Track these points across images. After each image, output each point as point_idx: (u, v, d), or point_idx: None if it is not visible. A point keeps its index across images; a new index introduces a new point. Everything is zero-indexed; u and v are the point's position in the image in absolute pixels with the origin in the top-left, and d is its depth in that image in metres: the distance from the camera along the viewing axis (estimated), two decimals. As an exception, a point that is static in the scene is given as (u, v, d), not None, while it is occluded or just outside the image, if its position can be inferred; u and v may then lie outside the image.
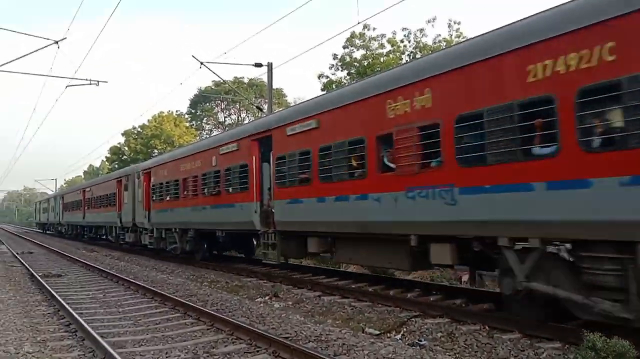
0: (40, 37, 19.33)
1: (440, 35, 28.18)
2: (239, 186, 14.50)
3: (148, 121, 52.05)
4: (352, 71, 29.00)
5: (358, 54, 29.31)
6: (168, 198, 19.73)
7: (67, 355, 7.09)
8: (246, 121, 51.79)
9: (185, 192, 18.21)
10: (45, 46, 19.03)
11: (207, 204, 16.38)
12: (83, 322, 8.39)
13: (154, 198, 21.18)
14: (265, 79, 25.81)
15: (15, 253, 25.71)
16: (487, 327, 7.74)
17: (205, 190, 16.56)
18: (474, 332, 7.55)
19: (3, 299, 11.75)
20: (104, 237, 32.85)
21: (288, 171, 12.08)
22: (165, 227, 20.26)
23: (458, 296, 9.83)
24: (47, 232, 57.09)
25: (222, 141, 16.21)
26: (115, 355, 6.36)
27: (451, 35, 27.88)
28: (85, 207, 35.29)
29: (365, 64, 28.38)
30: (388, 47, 28.88)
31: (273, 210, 12.89)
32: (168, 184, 19.85)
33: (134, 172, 24.72)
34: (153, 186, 21.39)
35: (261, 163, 13.98)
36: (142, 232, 23.08)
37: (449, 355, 6.63)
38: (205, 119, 58.09)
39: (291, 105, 46.45)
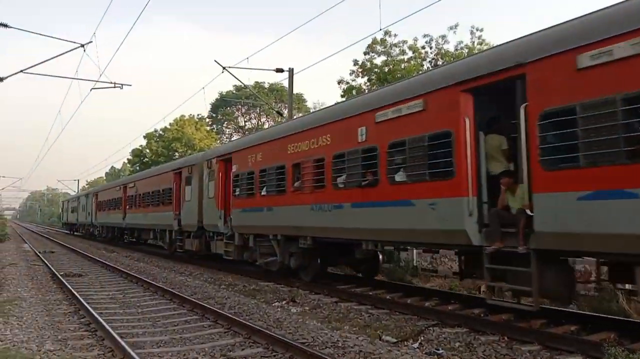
0: (67, 41, 19.66)
1: (462, 42, 28.05)
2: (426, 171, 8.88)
3: (170, 124, 52.67)
4: (373, 77, 28.98)
5: (379, 60, 29.29)
6: (263, 193, 14.43)
7: (87, 354, 7.19)
8: (266, 126, 52.14)
9: (297, 184, 12.91)
10: (72, 49, 19.45)
11: (347, 200, 10.93)
12: (103, 322, 8.50)
13: (236, 193, 15.94)
14: (285, 84, 26.04)
15: (37, 252, 26.19)
16: (506, 338, 7.64)
17: (342, 179, 11.20)
18: (493, 343, 7.46)
19: (25, 298, 11.98)
20: (151, 242, 28.64)
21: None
22: (254, 233, 15.14)
23: (477, 305, 9.72)
24: (76, 234, 52.99)
25: (385, 100, 10.09)
26: (134, 355, 6.42)
27: (473, 42, 27.72)
28: (127, 207, 30.47)
29: (386, 70, 28.34)
30: (409, 54, 28.81)
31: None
32: (263, 173, 14.44)
33: (203, 160, 19.14)
34: (236, 176, 16.08)
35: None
36: (214, 238, 18.07)
37: (467, 365, 6.56)
38: (225, 123, 58.59)
39: (311, 110, 46.63)
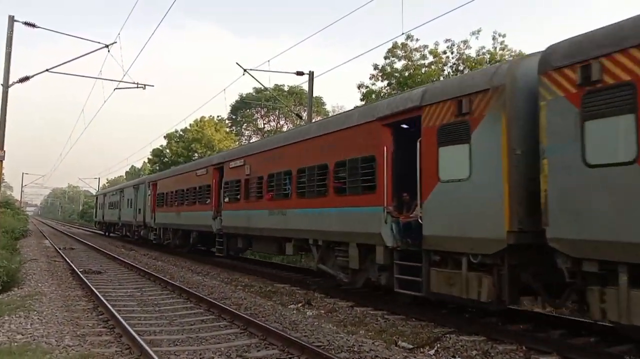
0: (92, 41, 19.99)
1: (484, 47, 27.82)
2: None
3: (190, 125, 53.15)
4: (393, 82, 28.90)
5: (399, 65, 29.19)
6: None
7: (104, 350, 7.28)
8: (284, 129, 52.34)
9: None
10: (97, 49, 19.79)
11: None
12: (121, 319, 8.60)
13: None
14: (305, 87, 26.07)
15: (57, 248, 26.61)
16: (524, 347, 7.53)
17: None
18: (510, 352, 7.37)
19: (46, 293, 12.18)
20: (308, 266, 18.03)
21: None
22: None
23: (494, 314, 9.60)
24: (111, 235, 43.82)
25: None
26: (152, 353, 6.48)
27: (495, 47, 27.48)
28: (225, 200, 18.53)
29: (406, 74, 28.24)
30: (430, 59, 28.67)
31: None
32: None
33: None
34: None
35: None
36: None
37: (484, 374, 6.48)
38: (245, 125, 58.93)
39: (330, 114, 46.65)
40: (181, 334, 8.41)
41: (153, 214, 28.33)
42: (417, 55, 28.92)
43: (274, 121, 58.56)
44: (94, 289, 11.99)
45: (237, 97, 55.10)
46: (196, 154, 49.39)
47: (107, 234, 45.40)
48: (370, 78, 29.92)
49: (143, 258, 22.85)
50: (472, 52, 28.06)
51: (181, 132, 53.88)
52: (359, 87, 30.27)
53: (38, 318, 9.26)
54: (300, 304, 11.29)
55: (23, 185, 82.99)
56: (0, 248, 18.34)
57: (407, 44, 28.74)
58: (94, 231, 55.59)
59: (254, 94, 52.20)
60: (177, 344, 7.69)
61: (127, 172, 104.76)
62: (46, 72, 20.40)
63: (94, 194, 57.34)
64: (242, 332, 8.50)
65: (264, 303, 11.39)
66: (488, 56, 27.14)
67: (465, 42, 28.05)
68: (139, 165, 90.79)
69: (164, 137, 54.87)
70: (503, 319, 9.13)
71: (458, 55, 28.27)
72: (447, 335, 8.25)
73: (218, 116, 56.50)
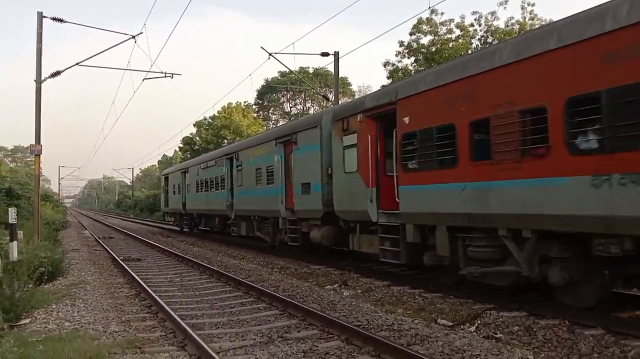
0: (119, 33, 20.23)
1: (512, 17, 27.07)
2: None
3: (218, 112, 53.61)
4: (420, 58, 28.44)
5: (425, 40, 28.69)
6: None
7: (150, 335, 7.48)
8: (311, 111, 52.25)
9: None
10: (124, 41, 20.03)
11: None
12: (164, 304, 8.81)
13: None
14: (330, 68, 25.90)
15: (97, 238, 27.38)
16: (567, 322, 7.40)
17: None
18: (553, 327, 7.25)
19: (89, 281, 12.57)
20: None
21: None
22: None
23: (533, 289, 9.46)
24: (192, 230, 29.73)
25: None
26: (196, 337, 6.63)
27: (524, 17, 26.70)
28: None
29: (433, 50, 27.74)
30: (457, 32, 28.08)
31: None
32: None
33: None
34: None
35: None
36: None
37: (527, 349, 6.41)
38: (271, 109, 59.13)
39: (356, 95, 46.29)
40: (222, 317, 8.57)
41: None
42: (444, 29, 28.37)
43: (300, 104, 58.57)
44: (135, 276, 12.30)
45: (262, 82, 55.24)
46: (225, 141, 49.84)
47: (189, 229, 29.91)
48: (397, 55, 29.54)
49: (180, 244, 23.31)
50: (500, 24, 27.36)
51: (210, 120, 54.39)
52: (385, 65, 29.93)
53: (84, 306, 9.58)
54: (336, 285, 11.35)
55: (60, 178, 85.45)
56: (43, 239, 18.96)
57: (432, 18, 28.21)
58: (148, 222, 48.63)
59: (279, 77, 52.21)
60: (218, 327, 7.86)
61: (159, 162, 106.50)
62: (76, 66, 20.79)
63: (161, 174, 38.75)
64: (282, 313, 8.62)
65: (301, 284, 11.50)
66: (517, 27, 26.42)
67: (492, 13, 27.36)
68: (170, 154, 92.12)
69: (193, 125, 55.51)
70: (544, 295, 9.00)
71: (486, 27, 27.61)
72: (487, 311, 8.17)
73: (245, 102, 56.80)
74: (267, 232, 17.95)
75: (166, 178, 35.39)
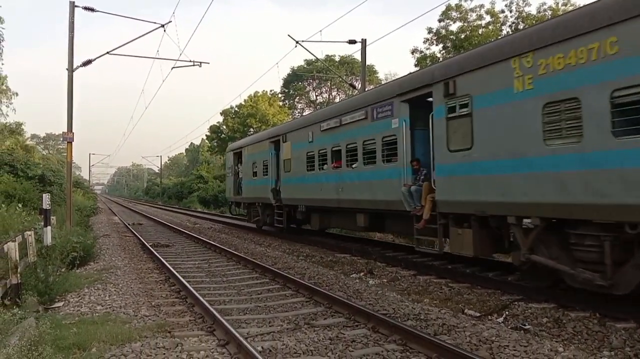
0: (148, 22, 20.45)
1: (545, 3, 26.40)
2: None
3: (244, 100, 53.82)
4: (448, 45, 28.02)
5: (454, 27, 28.23)
6: None
7: (179, 320, 7.62)
8: (337, 99, 52.05)
9: None
10: (153, 30, 20.23)
11: None
12: (192, 290, 8.95)
13: None
14: (356, 56, 25.71)
15: (126, 224, 27.93)
16: (597, 314, 7.28)
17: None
18: (584, 319, 7.15)
19: (120, 266, 12.85)
20: None
21: None
22: None
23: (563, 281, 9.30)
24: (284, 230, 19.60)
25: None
26: (224, 322, 6.73)
27: (557, 3, 26.01)
28: None
29: (462, 37, 27.28)
30: (487, 19, 27.54)
31: None
32: None
33: None
34: None
35: None
36: None
37: (556, 341, 6.32)
38: (297, 97, 59.10)
39: (382, 82, 45.85)
40: (249, 303, 8.68)
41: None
42: (473, 15, 27.86)
43: (326, 92, 58.37)
44: (164, 261, 12.52)
45: (289, 71, 55.21)
46: (252, 129, 50.10)
47: (283, 226, 19.26)
48: (425, 42, 29.18)
49: (207, 231, 23.62)
50: (532, 10, 26.72)
51: (236, 108, 54.70)
52: (413, 52, 29.60)
53: (115, 290, 9.81)
54: (362, 274, 11.37)
55: (90, 165, 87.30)
56: (75, 225, 19.44)
57: (461, 5, 27.72)
58: (178, 210, 49.23)
59: (305, 66, 52.11)
60: (246, 313, 7.96)
61: (186, 150, 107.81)
62: (107, 55, 21.10)
63: (227, 149, 28.64)
64: (308, 301, 8.68)
65: (327, 272, 11.55)
66: (550, 12, 25.76)
67: (524, -1, 26.74)
68: (197, 142, 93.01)
69: (220, 113, 55.90)
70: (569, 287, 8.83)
71: (517, 13, 27.00)
72: (515, 302, 8.09)
73: (271, 90, 56.89)
74: None
75: (237, 155, 24.91)
